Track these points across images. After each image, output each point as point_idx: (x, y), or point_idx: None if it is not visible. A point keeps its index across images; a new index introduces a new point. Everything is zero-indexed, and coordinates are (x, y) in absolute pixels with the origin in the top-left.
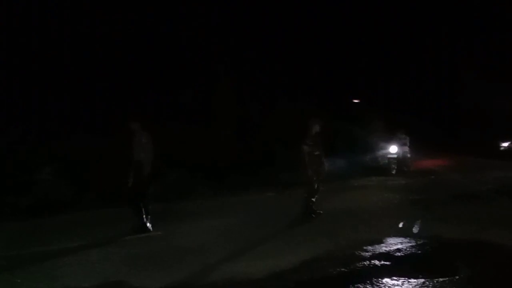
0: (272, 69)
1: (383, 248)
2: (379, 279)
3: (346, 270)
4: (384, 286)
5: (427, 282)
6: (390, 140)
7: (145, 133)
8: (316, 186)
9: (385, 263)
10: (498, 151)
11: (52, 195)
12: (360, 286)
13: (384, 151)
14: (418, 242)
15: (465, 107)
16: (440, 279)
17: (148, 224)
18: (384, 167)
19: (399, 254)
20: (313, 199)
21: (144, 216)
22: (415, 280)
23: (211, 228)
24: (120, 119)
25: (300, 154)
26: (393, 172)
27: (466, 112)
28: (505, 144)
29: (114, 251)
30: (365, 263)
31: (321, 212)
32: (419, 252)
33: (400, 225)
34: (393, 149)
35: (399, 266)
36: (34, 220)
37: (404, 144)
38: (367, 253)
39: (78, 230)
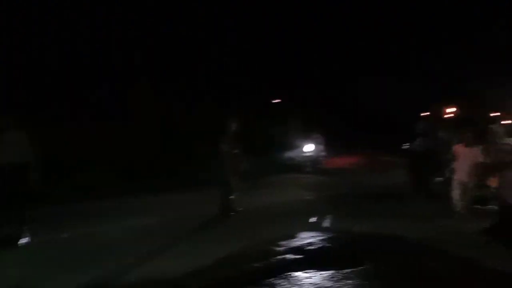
0: (195, 67)
1: (296, 242)
2: (292, 273)
3: (260, 266)
4: (296, 280)
5: (336, 274)
6: (305, 139)
7: (19, 132)
8: (233, 184)
9: (298, 257)
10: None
11: None
12: (274, 280)
13: (300, 150)
14: (329, 236)
15: (376, 109)
16: (348, 270)
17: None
18: (299, 165)
19: (310, 248)
20: (231, 197)
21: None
22: (325, 272)
23: (128, 228)
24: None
25: (218, 153)
26: (308, 169)
27: (376, 113)
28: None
29: (31, 251)
30: (278, 258)
31: (240, 209)
32: (329, 245)
33: (313, 220)
34: (308, 147)
35: (310, 259)
36: None
37: (319, 143)
38: (280, 248)
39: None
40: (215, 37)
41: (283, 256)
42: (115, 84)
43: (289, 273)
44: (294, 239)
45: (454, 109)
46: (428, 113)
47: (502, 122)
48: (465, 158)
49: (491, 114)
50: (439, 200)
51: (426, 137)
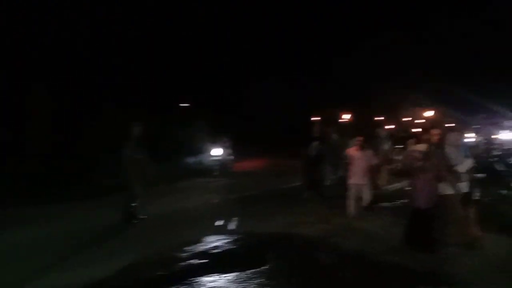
0: (96, 70)
1: (201, 247)
2: (196, 278)
3: (163, 273)
4: (200, 284)
5: (240, 275)
6: (214, 143)
7: None
8: (137, 190)
9: (203, 261)
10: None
11: None
12: (177, 287)
13: (208, 154)
14: (234, 238)
15: (280, 113)
16: (252, 270)
17: None
18: (208, 169)
19: (216, 251)
20: (135, 204)
21: None
22: (229, 274)
23: (25, 240)
24: None
25: (121, 158)
26: (216, 173)
27: (281, 117)
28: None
29: None
30: (183, 264)
31: (145, 216)
32: (234, 247)
33: (219, 223)
34: (216, 151)
35: (215, 263)
36: None
37: (227, 147)
38: (185, 254)
39: None
40: (119, 38)
41: (188, 262)
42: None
43: (193, 278)
44: (199, 244)
45: (348, 115)
46: (318, 118)
47: (386, 127)
48: (359, 161)
49: (376, 119)
50: (334, 200)
51: (320, 141)
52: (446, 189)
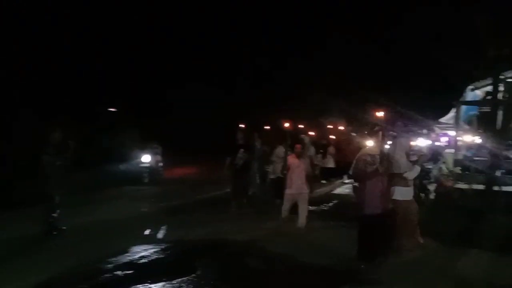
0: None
1: (127, 257)
2: None
3: (87, 286)
4: None
5: (168, 285)
6: (143, 149)
7: None
8: (58, 199)
9: (128, 272)
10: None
11: None
12: None
13: (137, 160)
14: (162, 247)
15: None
16: (180, 279)
17: None
18: (137, 176)
19: (143, 261)
20: (55, 214)
21: None
22: (155, 285)
23: None
24: None
25: (40, 165)
26: (146, 181)
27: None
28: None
29: None
30: (107, 275)
31: (65, 227)
32: (162, 256)
33: (147, 232)
34: (146, 158)
35: (142, 273)
36: None
37: (157, 153)
38: (110, 265)
39: None
40: (41, 38)
41: (113, 273)
42: None
43: None
44: (126, 254)
45: (286, 123)
46: (244, 125)
47: (309, 133)
48: (297, 170)
49: (299, 126)
50: (263, 207)
51: (246, 149)
52: (398, 195)
